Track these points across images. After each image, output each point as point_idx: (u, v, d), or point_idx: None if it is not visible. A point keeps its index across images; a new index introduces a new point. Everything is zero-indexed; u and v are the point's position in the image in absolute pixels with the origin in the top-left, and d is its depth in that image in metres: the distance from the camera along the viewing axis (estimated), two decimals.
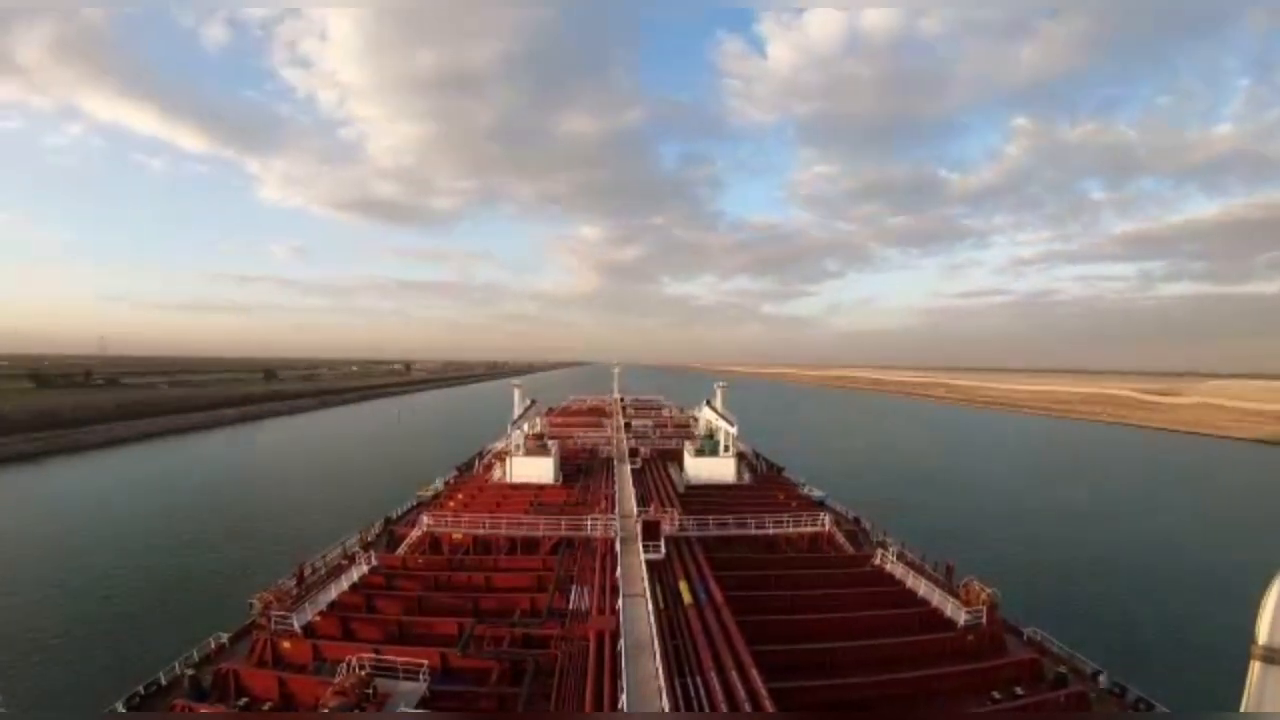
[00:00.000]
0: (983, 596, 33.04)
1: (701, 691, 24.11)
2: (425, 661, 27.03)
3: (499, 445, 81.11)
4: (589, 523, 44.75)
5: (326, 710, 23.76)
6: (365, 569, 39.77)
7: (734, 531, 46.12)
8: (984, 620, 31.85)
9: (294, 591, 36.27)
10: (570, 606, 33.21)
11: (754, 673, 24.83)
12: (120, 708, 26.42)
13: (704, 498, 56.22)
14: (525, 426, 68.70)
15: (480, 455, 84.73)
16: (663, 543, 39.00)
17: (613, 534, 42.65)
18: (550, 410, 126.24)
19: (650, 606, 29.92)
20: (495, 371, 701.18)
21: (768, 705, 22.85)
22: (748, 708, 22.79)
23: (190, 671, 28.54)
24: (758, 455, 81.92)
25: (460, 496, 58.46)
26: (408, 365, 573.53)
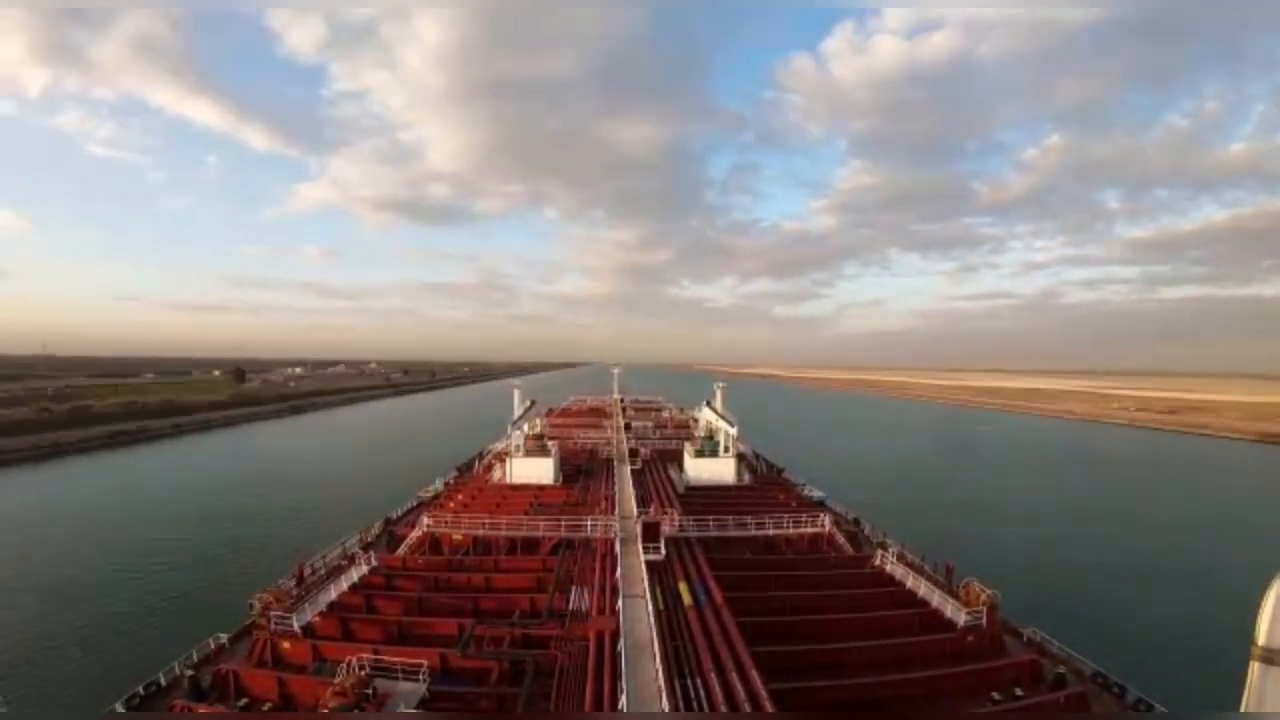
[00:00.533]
0: (983, 597, 33.05)
1: (701, 692, 24.11)
2: (425, 662, 27.03)
3: (499, 446, 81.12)
4: (589, 523, 44.73)
5: (326, 711, 23.77)
6: (365, 569, 39.77)
7: (734, 532, 46.11)
8: (984, 621, 31.87)
9: (294, 592, 36.26)
10: (570, 607, 33.22)
11: (754, 674, 24.83)
12: (120, 708, 26.44)
13: (704, 498, 56.19)
14: (525, 427, 68.70)
15: (480, 456, 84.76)
16: (663, 543, 38.99)
17: (613, 535, 42.66)
18: (550, 411, 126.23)
19: (650, 607, 29.92)
20: (436, 380, 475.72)
21: (768, 706, 22.85)
22: (748, 708, 22.79)
23: (190, 672, 28.54)
24: (758, 456, 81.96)
25: (460, 497, 58.43)
26: (240, 373, 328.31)
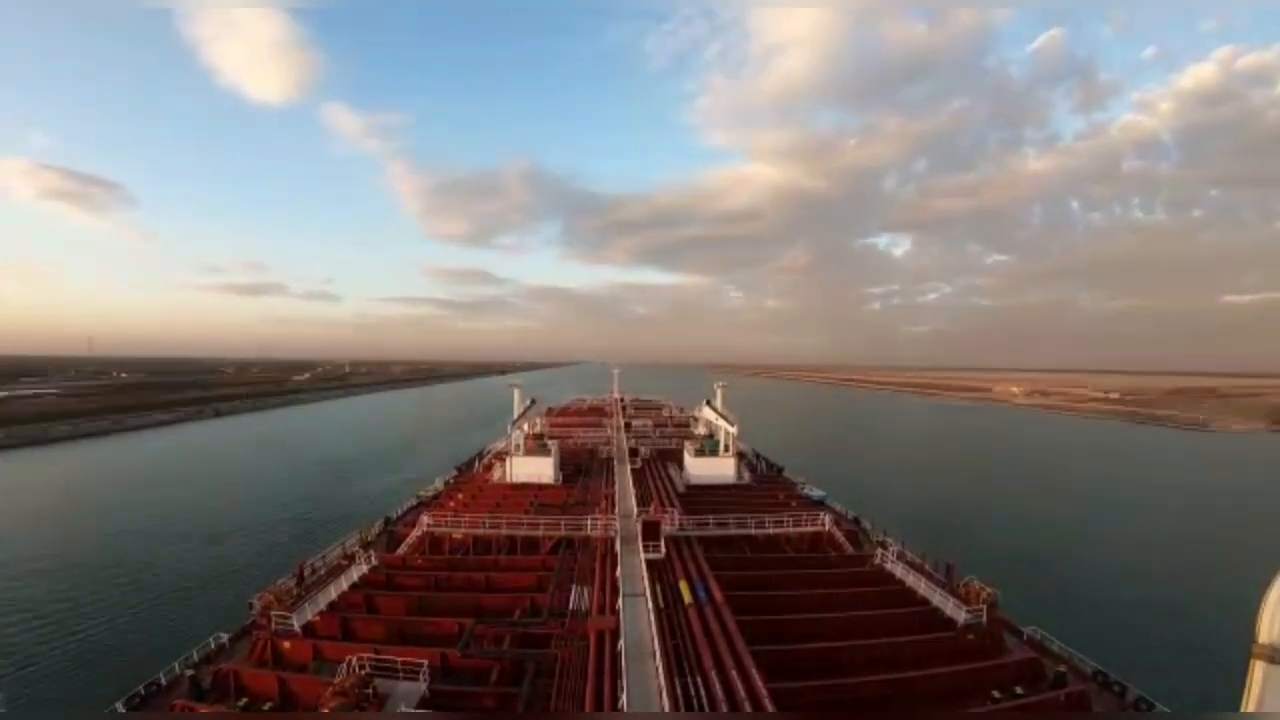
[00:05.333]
0: (983, 596, 33.09)
1: (701, 691, 24.11)
2: (425, 661, 27.05)
3: (499, 445, 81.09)
4: (589, 523, 44.75)
5: (327, 710, 23.76)
6: (365, 569, 39.78)
7: (734, 531, 46.11)
8: (984, 620, 31.87)
9: (294, 591, 36.25)
10: (570, 606, 33.22)
11: (754, 672, 24.84)
12: (120, 708, 26.43)
13: (704, 497, 56.18)
14: (525, 426, 68.68)
15: (480, 455, 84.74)
16: (663, 542, 39.00)
17: (613, 534, 42.65)
18: (550, 410, 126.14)
19: (650, 606, 29.91)
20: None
21: (768, 705, 22.84)
22: (748, 707, 22.78)
23: (190, 672, 28.54)
24: (758, 455, 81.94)
25: (460, 496, 58.44)
26: None
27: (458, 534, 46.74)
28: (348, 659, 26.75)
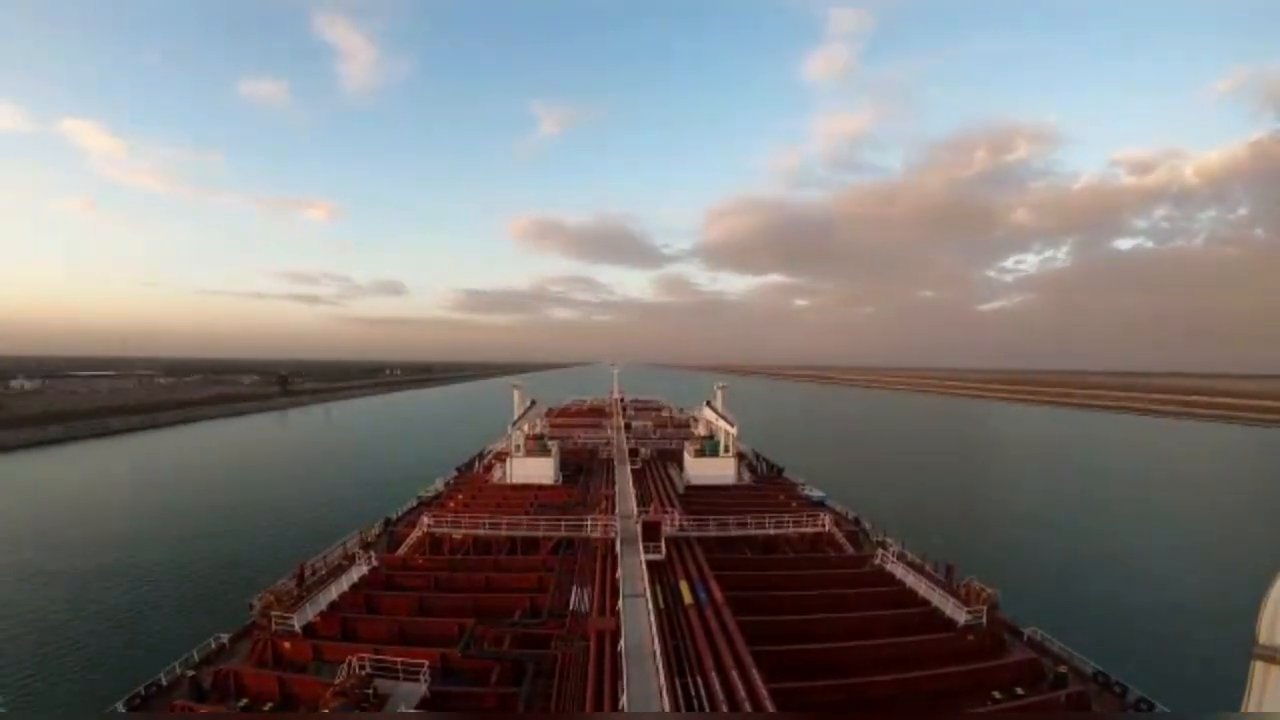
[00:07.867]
0: (983, 596, 33.09)
1: (702, 692, 24.12)
2: (425, 662, 27.05)
3: (499, 446, 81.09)
4: (589, 523, 44.76)
5: (327, 711, 23.77)
6: (365, 569, 39.77)
7: (734, 532, 46.10)
8: (984, 620, 31.87)
9: (294, 592, 36.20)
10: (571, 607, 33.25)
11: (754, 673, 24.85)
12: (120, 708, 26.43)
13: (704, 498, 56.25)
14: (525, 427, 68.70)
15: (480, 456, 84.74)
16: (663, 543, 39.01)
17: (613, 534, 42.67)
18: (550, 410, 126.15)
19: (651, 607, 29.92)
20: None
21: (768, 705, 22.85)
22: (748, 708, 22.78)
23: (190, 672, 28.54)
24: (758, 456, 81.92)
25: (460, 497, 58.45)
26: None
27: (458, 534, 46.76)
28: (348, 659, 26.75)
